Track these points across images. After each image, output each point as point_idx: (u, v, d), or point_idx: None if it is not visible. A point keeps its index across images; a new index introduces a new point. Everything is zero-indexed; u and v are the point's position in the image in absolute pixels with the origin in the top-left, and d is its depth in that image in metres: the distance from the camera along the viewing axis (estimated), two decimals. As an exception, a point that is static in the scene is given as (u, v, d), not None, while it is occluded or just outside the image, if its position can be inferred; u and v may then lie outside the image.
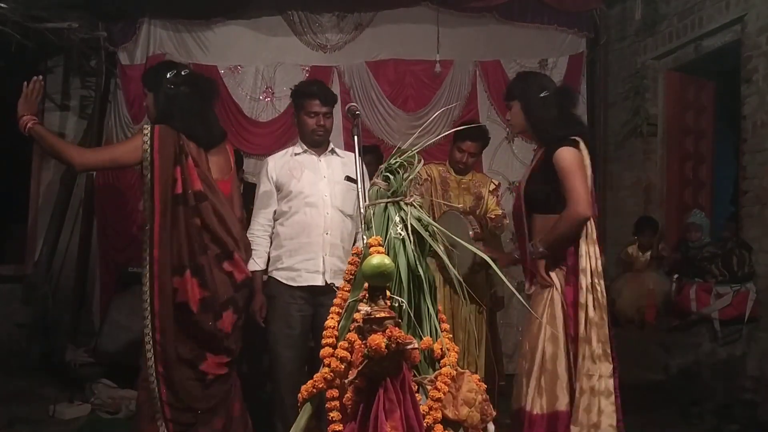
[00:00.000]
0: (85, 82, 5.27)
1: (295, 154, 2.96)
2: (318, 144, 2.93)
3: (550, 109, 2.64)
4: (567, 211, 2.54)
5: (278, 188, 2.91)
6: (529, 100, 2.66)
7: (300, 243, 2.82)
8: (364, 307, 1.56)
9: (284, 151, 3.05)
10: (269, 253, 2.92)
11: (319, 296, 2.80)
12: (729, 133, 5.43)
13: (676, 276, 4.63)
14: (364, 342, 1.50)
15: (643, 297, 4.71)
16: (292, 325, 2.79)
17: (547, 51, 5.49)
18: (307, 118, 2.89)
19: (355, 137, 2.21)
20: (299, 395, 1.67)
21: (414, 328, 1.71)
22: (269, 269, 2.91)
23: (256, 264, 2.86)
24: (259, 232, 2.92)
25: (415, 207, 1.81)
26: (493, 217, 3.53)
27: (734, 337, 4.21)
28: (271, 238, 2.92)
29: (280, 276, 2.85)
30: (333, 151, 2.99)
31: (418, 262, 1.74)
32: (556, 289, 2.56)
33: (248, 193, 4.57)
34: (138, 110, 4.86)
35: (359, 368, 1.48)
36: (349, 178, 2.74)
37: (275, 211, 2.92)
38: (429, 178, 3.55)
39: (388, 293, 1.63)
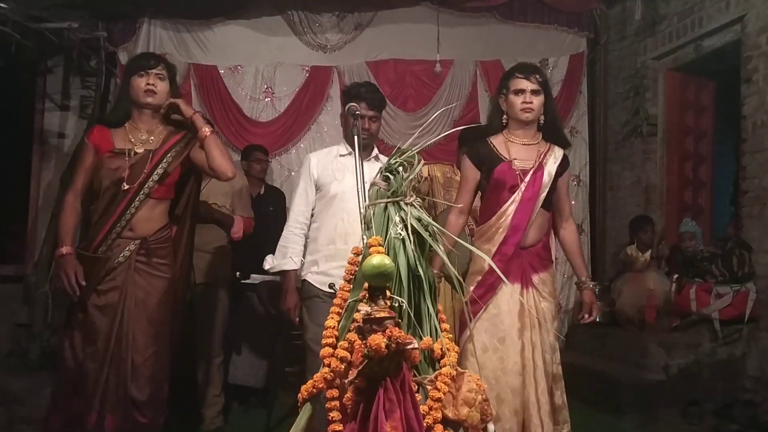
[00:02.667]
0: (85, 82, 5.26)
1: (340, 155, 2.87)
2: (363, 147, 2.80)
3: (556, 111, 2.77)
4: (574, 226, 2.77)
5: (318, 187, 2.84)
6: (550, 97, 2.71)
7: (336, 249, 2.73)
8: (364, 307, 1.56)
9: (328, 150, 2.97)
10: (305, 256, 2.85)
11: None
12: (729, 133, 5.42)
13: (676, 276, 4.63)
14: (364, 342, 1.50)
15: (643, 297, 4.71)
16: (321, 323, 2.69)
17: (547, 50, 5.50)
18: (352, 120, 2.78)
19: (355, 137, 2.21)
20: (299, 395, 1.67)
21: (414, 328, 1.71)
22: (304, 272, 2.83)
23: (292, 263, 2.79)
24: (296, 230, 2.84)
25: (415, 207, 1.81)
26: None
27: (734, 337, 4.22)
28: (306, 238, 2.85)
29: (314, 280, 2.78)
30: (377, 158, 2.89)
31: (418, 262, 1.74)
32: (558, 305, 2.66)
33: (270, 196, 4.59)
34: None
35: (359, 368, 1.48)
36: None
37: (312, 210, 2.85)
38: (429, 178, 3.56)
39: (388, 293, 1.63)
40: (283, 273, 2.83)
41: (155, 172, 2.52)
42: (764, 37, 4.17)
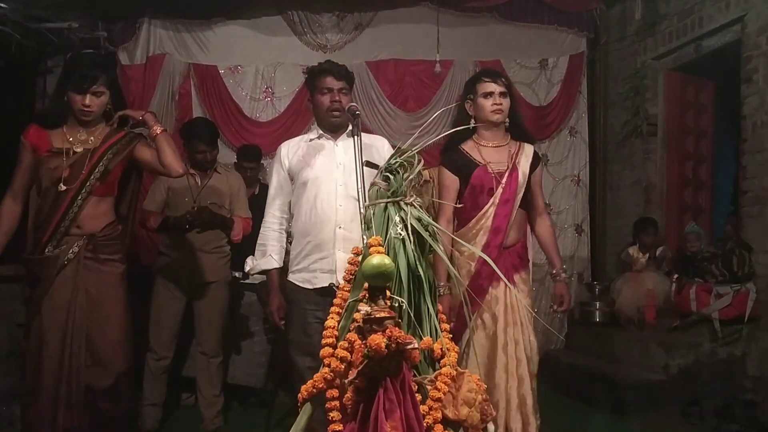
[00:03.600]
0: (85, 82, 5.27)
1: (310, 140, 2.66)
2: (336, 127, 2.62)
3: (518, 112, 2.86)
4: (549, 220, 2.86)
5: (291, 177, 2.65)
6: (513, 98, 2.77)
7: (313, 241, 2.52)
8: (364, 307, 1.56)
9: (300, 137, 2.77)
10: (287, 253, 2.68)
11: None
12: (729, 133, 5.42)
13: (675, 276, 4.63)
14: (364, 342, 1.50)
15: (643, 297, 4.71)
16: (309, 332, 2.46)
17: (547, 51, 5.50)
18: (320, 97, 2.60)
19: (355, 137, 2.20)
20: (299, 395, 1.67)
21: (414, 328, 1.71)
22: (288, 271, 2.64)
23: (272, 260, 2.61)
24: (274, 225, 2.65)
25: (415, 207, 1.81)
26: None
27: (734, 337, 4.21)
28: (288, 233, 2.66)
29: (295, 279, 2.58)
30: (350, 133, 2.57)
31: (418, 262, 1.74)
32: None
33: (264, 196, 4.58)
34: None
35: (359, 368, 1.48)
36: (369, 163, 2.21)
37: (290, 203, 2.66)
38: (431, 180, 3.56)
39: (388, 293, 1.64)
40: (265, 273, 2.68)
41: (96, 170, 2.54)
42: (764, 37, 4.17)
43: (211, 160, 3.61)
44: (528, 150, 2.75)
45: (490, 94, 2.68)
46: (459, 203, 2.72)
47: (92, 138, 2.58)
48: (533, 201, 2.80)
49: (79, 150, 2.55)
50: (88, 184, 2.53)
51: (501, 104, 2.68)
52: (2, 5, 3.97)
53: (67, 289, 2.51)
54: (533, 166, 2.75)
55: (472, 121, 2.72)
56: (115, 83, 2.69)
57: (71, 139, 2.57)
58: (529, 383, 2.56)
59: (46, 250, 2.53)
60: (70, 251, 2.52)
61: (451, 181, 2.73)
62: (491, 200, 2.65)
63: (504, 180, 2.65)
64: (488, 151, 2.71)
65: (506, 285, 2.58)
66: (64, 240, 2.53)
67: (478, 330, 2.59)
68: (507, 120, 2.72)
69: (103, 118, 2.64)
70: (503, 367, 2.55)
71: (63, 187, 2.50)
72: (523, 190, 2.69)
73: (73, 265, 2.53)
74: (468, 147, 2.73)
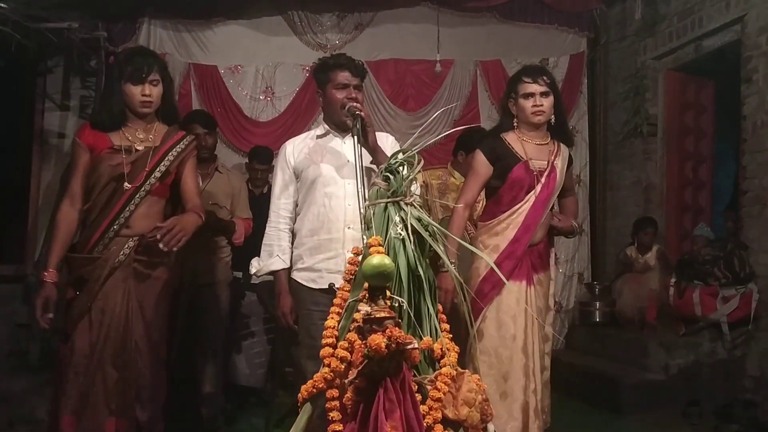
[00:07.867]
0: (85, 82, 5.26)
1: (317, 137, 2.58)
2: (347, 125, 2.43)
3: (564, 111, 2.81)
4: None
5: (296, 175, 2.56)
6: (558, 96, 2.72)
7: (320, 240, 2.45)
8: (364, 307, 1.56)
9: (305, 134, 2.69)
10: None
11: None
12: (729, 133, 5.42)
13: (674, 280, 4.50)
14: (364, 342, 1.50)
15: (643, 297, 4.71)
16: (314, 335, 2.33)
17: (547, 50, 5.51)
18: (335, 92, 2.48)
19: (355, 137, 2.19)
20: (299, 395, 1.67)
21: (414, 328, 1.71)
22: (292, 269, 2.57)
23: (280, 261, 2.54)
24: (280, 224, 2.57)
25: (415, 207, 1.81)
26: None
27: (742, 340, 4.19)
28: (293, 232, 2.59)
29: (300, 278, 2.51)
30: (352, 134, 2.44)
31: (418, 262, 1.74)
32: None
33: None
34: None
35: (359, 368, 1.48)
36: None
37: (296, 202, 2.58)
38: (425, 184, 3.58)
39: (388, 293, 1.63)
40: (272, 274, 2.59)
41: (157, 169, 2.49)
42: (764, 37, 4.17)
43: (211, 147, 3.60)
44: (564, 152, 2.73)
45: (531, 95, 2.63)
46: (486, 197, 2.76)
47: (151, 136, 2.53)
48: (565, 187, 2.82)
49: (140, 148, 2.49)
50: (147, 182, 2.47)
51: (542, 105, 2.62)
52: (2, 5, 3.97)
53: (118, 292, 2.41)
54: (567, 166, 2.76)
55: (515, 120, 2.70)
56: (167, 73, 2.60)
57: (130, 137, 2.51)
58: (539, 383, 2.57)
59: (95, 250, 2.42)
60: (121, 253, 2.42)
61: (485, 169, 2.69)
62: (527, 197, 2.63)
63: (543, 179, 2.63)
64: (531, 147, 2.68)
65: (527, 284, 2.59)
66: (114, 241, 2.43)
67: (495, 329, 2.57)
68: (552, 118, 2.67)
69: (157, 117, 2.59)
70: (521, 368, 2.53)
71: (128, 186, 2.43)
72: (558, 191, 2.69)
73: (124, 267, 2.43)
74: (510, 139, 2.69)
